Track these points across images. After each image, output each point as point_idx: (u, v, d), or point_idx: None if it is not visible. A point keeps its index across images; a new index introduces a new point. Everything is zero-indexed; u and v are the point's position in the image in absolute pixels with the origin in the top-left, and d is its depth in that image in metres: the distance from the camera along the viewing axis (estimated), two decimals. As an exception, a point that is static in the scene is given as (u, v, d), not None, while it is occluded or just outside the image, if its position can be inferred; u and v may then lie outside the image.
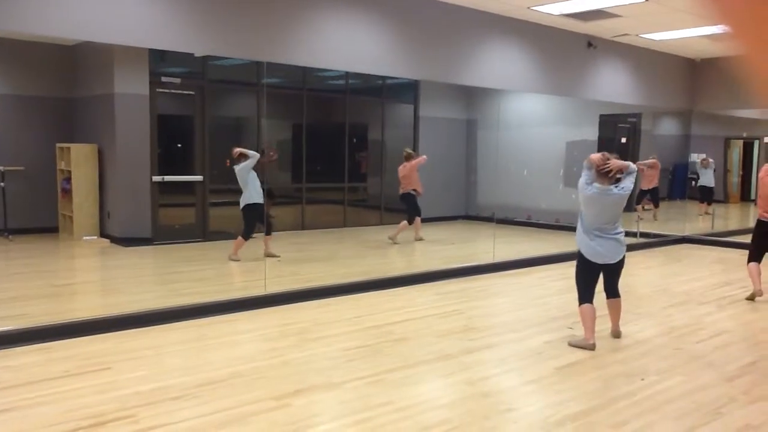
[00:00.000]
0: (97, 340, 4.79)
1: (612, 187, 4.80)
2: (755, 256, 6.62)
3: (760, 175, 6.70)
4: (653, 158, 12.21)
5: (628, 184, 4.84)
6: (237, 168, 7.71)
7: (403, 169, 9.69)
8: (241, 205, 7.77)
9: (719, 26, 0.54)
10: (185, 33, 6.00)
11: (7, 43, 9.05)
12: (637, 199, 12.11)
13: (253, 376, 4.08)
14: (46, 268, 7.73)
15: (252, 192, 7.69)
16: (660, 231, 11.05)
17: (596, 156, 4.87)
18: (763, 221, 6.55)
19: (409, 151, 9.86)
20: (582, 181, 4.94)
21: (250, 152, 7.65)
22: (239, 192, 7.81)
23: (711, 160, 12.79)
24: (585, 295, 4.89)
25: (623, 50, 10.21)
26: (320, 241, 9.93)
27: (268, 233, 8.02)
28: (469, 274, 7.58)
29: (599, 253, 4.87)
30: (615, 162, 4.80)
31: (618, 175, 4.83)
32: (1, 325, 4.84)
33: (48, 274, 7.33)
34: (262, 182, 7.88)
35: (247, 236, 7.78)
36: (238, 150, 7.70)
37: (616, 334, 5.09)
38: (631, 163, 4.90)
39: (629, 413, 3.59)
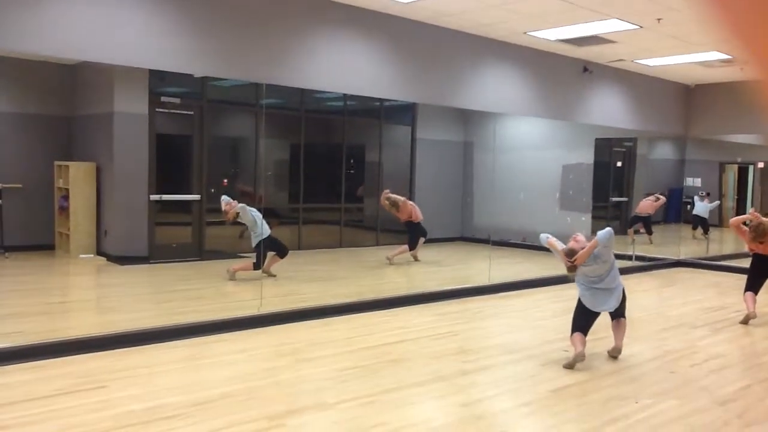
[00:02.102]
0: (92, 358, 4.79)
1: (590, 260, 4.90)
2: (752, 287, 6.61)
3: (740, 228, 6.50)
4: (661, 196, 12.09)
5: (606, 252, 4.92)
6: (242, 221, 7.92)
7: (401, 215, 9.69)
8: (254, 243, 7.87)
9: (739, 51, 0.53)
10: (185, 54, 6.07)
11: (8, 61, 9.12)
12: (630, 223, 12.16)
13: (246, 396, 4.07)
14: (42, 286, 7.72)
15: (260, 228, 7.79)
16: (655, 254, 11.08)
17: (565, 262, 4.97)
18: (760, 253, 6.53)
19: (388, 201, 9.66)
20: (558, 258, 5.14)
21: (240, 211, 7.77)
22: None
23: (711, 200, 12.92)
24: (578, 328, 4.97)
25: (618, 75, 10.33)
26: (316, 261, 9.94)
27: (282, 256, 8.10)
28: (464, 296, 7.59)
29: (596, 303, 5.02)
30: (581, 256, 4.87)
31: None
32: (-4, 342, 4.84)
33: (43, 292, 7.32)
34: (258, 209, 8.04)
35: (257, 267, 7.86)
36: (231, 219, 7.87)
37: (617, 351, 5.11)
38: (599, 236, 4.88)
39: (623, 436, 3.59)
